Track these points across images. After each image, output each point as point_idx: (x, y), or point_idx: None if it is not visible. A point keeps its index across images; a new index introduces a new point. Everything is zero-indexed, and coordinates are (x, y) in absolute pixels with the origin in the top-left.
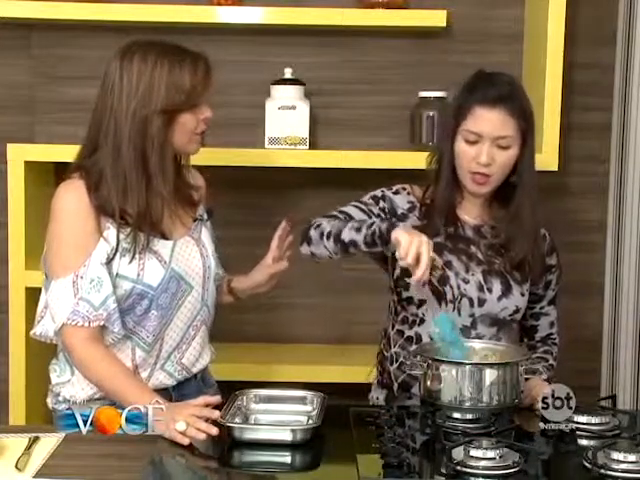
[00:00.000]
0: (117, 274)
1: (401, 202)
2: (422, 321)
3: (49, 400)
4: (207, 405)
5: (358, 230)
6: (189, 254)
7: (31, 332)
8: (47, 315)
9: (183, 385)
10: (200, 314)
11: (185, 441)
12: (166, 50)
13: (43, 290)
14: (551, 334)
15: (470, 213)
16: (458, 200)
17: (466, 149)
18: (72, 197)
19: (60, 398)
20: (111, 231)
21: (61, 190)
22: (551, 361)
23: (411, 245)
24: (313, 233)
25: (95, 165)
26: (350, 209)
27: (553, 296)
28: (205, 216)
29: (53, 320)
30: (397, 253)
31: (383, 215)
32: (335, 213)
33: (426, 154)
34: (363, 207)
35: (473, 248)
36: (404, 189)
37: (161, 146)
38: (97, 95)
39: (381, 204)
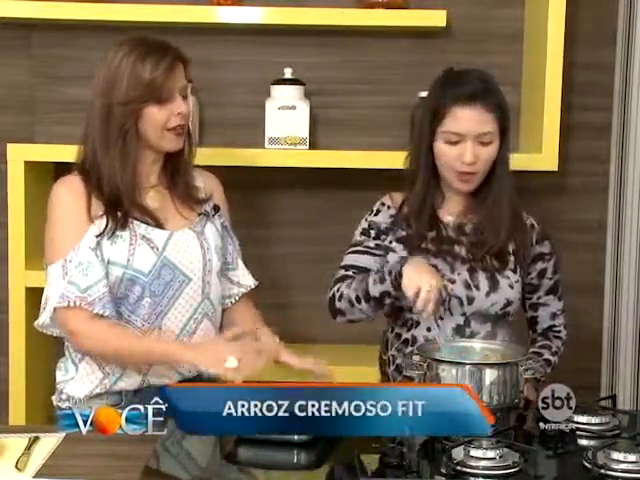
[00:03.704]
0: (108, 261)
1: (383, 219)
2: (417, 324)
3: (54, 398)
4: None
5: (382, 280)
6: (187, 245)
7: (34, 323)
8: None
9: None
10: (201, 307)
11: (237, 378)
12: (141, 44)
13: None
14: (553, 326)
15: (452, 212)
16: (439, 201)
17: (448, 150)
18: (66, 189)
19: (63, 396)
20: (103, 218)
21: (58, 184)
22: (546, 355)
23: (410, 283)
24: (341, 304)
25: (84, 158)
26: (352, 258)
27: (551, 286)
28: (212, 212)
29: (47, 305)
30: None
31: (380, 242)
32: (344, 273)
33: None
34: (362, 249)
35: (457, 247)
36: (383, 204)
37: (123, 136)
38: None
39: (372, 234)
